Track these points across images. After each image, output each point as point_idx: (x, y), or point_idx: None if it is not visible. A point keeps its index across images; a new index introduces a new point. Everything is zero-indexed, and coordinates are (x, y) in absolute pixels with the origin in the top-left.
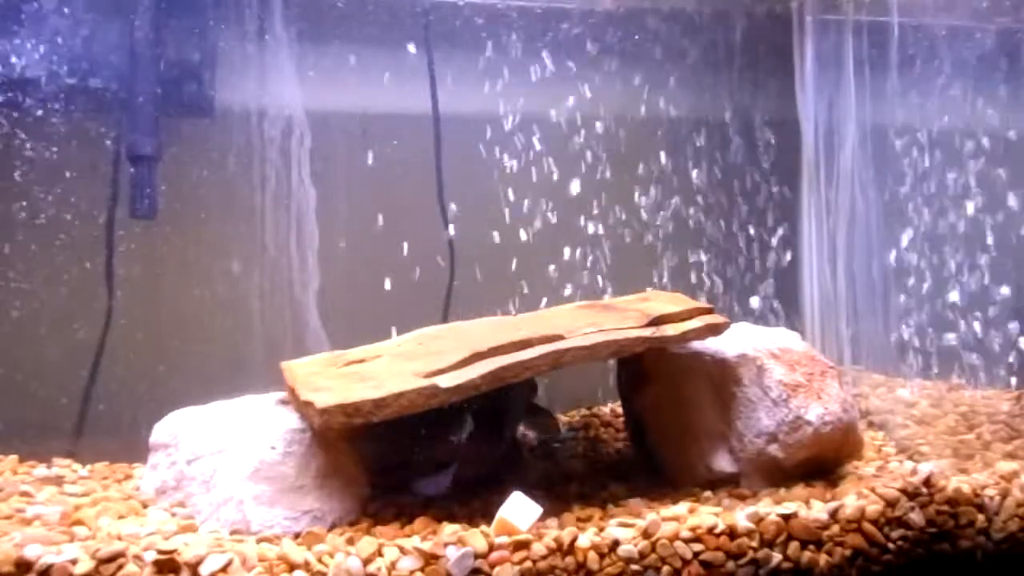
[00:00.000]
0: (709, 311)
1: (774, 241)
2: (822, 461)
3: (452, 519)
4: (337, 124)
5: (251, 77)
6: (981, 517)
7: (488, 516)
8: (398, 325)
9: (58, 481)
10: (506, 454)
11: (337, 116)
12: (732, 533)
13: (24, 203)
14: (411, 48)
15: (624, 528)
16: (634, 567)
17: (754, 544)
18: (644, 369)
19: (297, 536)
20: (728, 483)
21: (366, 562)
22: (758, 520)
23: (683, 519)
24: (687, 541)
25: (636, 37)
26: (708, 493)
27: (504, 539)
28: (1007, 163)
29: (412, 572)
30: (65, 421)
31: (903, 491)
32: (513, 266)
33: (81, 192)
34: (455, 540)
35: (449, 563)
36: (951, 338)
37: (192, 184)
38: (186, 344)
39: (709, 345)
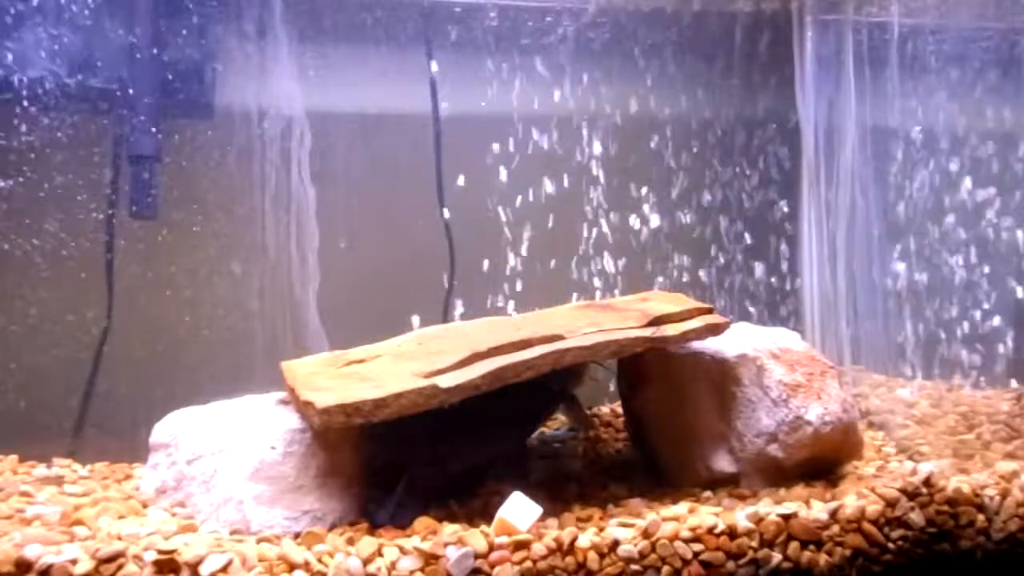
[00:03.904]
0: (709, 311)
1: (774, 241)
2: (822, 461)
3: (452, 519)
4: (337, 124)
5: (251, 77)
6: (981, 517)
7: (488, 516)
8: (398, 325)
9: (58, 481)
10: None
11: (337, 116)
12: (732, 533)
13: (24, 203)
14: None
15: (624, 528)
16: (634, 567)
17: (754, 544)
18: (644, 369)
19: (297, 536)
20: (728, 483)
21: (366, 562)
22: (758, 520)
23: (683, 519)
24: (687, 541)
25: (634, 36)
26: (708, 493)
27: (504, 539)
28: (1007, 162)
29: (412, 572)
30: (65, 421)
31: (903, 491)
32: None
33: (81, 192)
34: (455, 540)
35: (449, 563)
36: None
37: (192, 184)
38: (186, 344)
39: (709, 345)
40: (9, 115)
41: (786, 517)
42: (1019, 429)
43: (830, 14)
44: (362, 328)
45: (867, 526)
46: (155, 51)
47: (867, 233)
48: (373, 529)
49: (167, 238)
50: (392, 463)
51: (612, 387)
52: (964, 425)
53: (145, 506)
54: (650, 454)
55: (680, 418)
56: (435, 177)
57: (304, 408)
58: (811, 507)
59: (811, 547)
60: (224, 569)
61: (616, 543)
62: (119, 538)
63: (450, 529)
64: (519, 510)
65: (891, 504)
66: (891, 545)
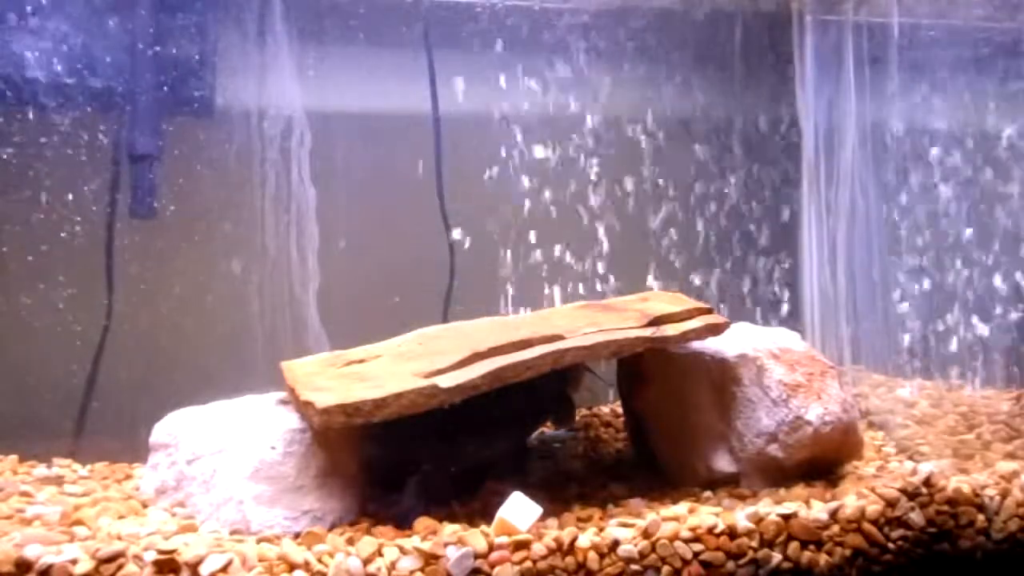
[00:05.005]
0: (709, 311)
1: (774, 241)
2: (822, 461)
3: (452, 519)
4: (337, 124)
5: (251, 77)
6: (981, 517)
7: (488, 516)
8: (398, 325)
9: (58, 481)
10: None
11: (337, 116)
12: (732, 533)
13: (24, 202)
14: None
15: (624, 528)
16: (634, 567)
17: (754, 544)
18: (644, 369)
19: (297, 536)
20: (728, 483)
21: (366, 562)
22: (758, 520)
23: (683, 519)
24: (687, 541)
25: (634, 36)
26: (708, 493)
27: (504, 539)
28: (1006, 162)
29: (412, 572)
30: (65, 421)
31: (903, 491)
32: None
33: (81, 191)
34: (455, 540)
35: (449, 563)
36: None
37: (192, 184)
38: (186, 344)
39: (709, 345)
40: (8, 114)
41: (786, 517)
42: (1019, 429)
43: (830, 14)
44: (362, 328)
45: (867, 526)
46: (155, 50)
47: (867, 233)
48: (372, 528)
49: (167, 238)
50: (392, 463)
51: (612, 396)
52: (964, 425)
53: (145, 506)
54: (650, 454)
55: (680, 418)
56: (435, 177)
57: (304, 408)
58: (811, 507)
59: (811, 547)
60: (224, 569)
61: (616, 543)
62: (119, 538)
63: (450, 529)
64: (519, 510)
65: (891, 504)
66: (891, 545)
